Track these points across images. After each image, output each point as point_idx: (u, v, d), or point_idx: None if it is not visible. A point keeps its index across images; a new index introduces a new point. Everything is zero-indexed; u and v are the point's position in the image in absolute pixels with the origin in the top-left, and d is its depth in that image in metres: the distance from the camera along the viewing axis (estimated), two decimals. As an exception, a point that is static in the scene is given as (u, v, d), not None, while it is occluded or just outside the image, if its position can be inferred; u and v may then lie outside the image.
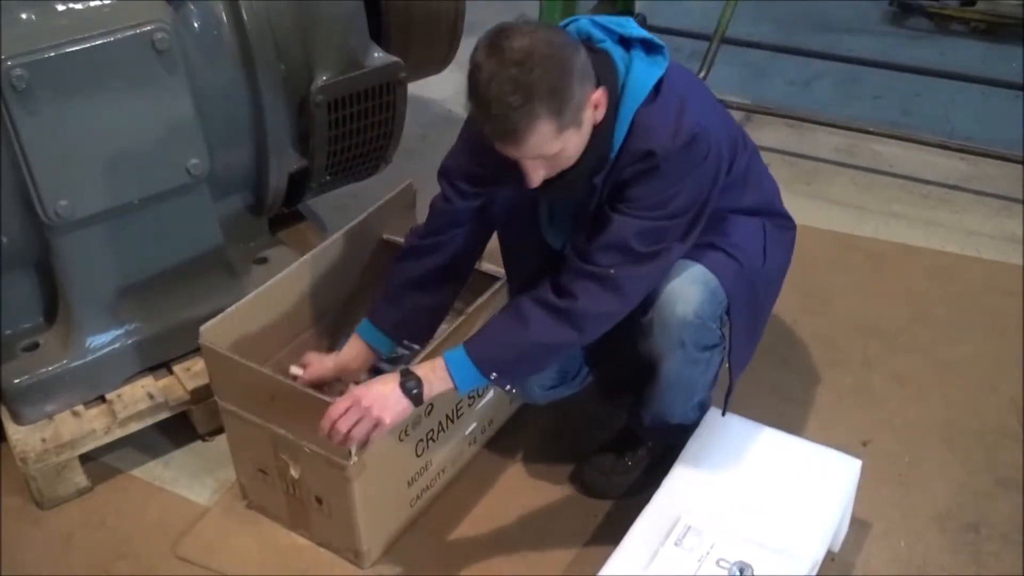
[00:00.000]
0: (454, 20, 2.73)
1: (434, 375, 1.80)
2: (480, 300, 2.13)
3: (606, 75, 1.70)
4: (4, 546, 2.17)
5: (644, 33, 1.77)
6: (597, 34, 1.75)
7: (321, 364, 2.06)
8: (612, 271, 1.75)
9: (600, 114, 1.70)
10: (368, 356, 2.08)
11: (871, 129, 3.34)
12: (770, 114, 3.52)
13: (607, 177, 1.78)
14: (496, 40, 1.59)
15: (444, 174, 2.00)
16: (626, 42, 1.75)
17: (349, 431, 1.76)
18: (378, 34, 2.54)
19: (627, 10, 3.80)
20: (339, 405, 1.78)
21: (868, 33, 4.23)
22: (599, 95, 1.67)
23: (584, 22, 1.77)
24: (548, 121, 1.59)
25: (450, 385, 1.80)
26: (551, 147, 1.64)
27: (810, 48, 3.84)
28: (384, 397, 1.77)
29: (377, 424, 1.77)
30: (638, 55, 1.74)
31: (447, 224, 2.03)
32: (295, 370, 2.06)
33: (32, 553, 2.15)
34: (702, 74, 3.31)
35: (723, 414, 2.05)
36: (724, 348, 1.96)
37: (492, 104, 1.58)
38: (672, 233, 1.77)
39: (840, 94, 3.78)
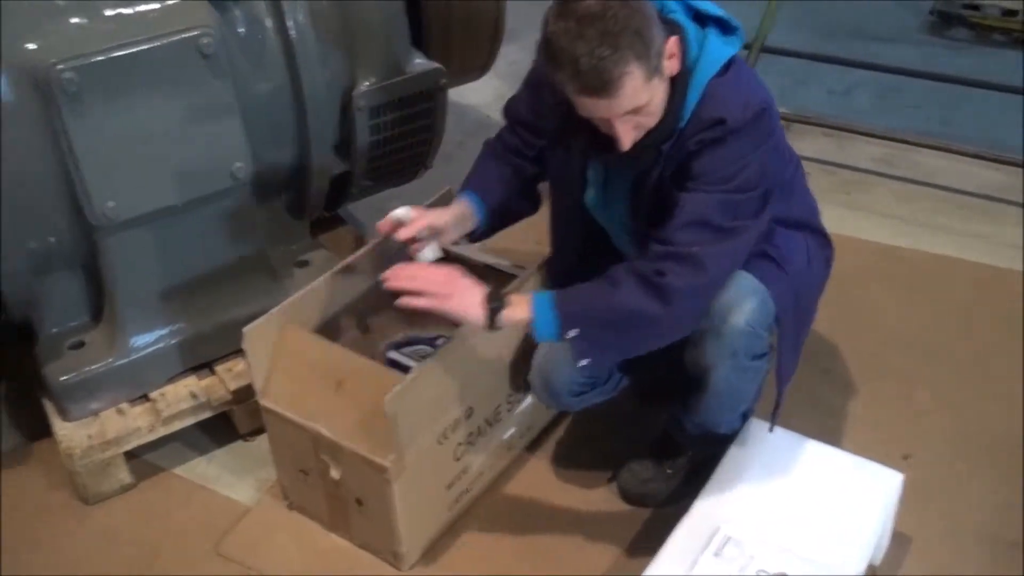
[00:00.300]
0: (494, 27, 2.74)
1: (518, 306, 1.78)
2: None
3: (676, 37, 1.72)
4: (49, 540, 2.20)
5: (721, 12, 1.79)
6: (670, 4, 1.77)
7: (434, 213, 2.03)
8: (695, 249, 1.73)
9: (675, 65, 1.71)
10: (469, 219, 2.07)
11: (911, 139, 3.32)
12: (809, 123, 3.50)
13: (674, 146, 1.78)
14: (569, 3, 1.61)
15: (507, 113, 2.10)
16: (701, 19, 1.78)
17: (424, 298, 1.79)
18: (419, 41, 2.56)
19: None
20: (437, 271, 1.82)
21: (908, 43, 4.21)
22: (673, 44, 1.69)
23: None
24: (638, 66, 1.60)
25: (528, 318, 1.78)
26: (642, 96, 1.65)
27: (849, 57, 3.82)
28: (468, 290, 1.79)
29: (440, 303, 1.79)
30: (713, 32, 1.76)
31: (510, 149, 2.10)
32: (403, 211, 1.99)
33: (76, 548, 2.18)
34: (741, 82, 3.30)
35: (771, 430, 2.04)
36: (771, 357, 1.96)
37: (581, 59, 1.58)
38: (745, 208, 1.76)
39: (880, 104, 3.76)
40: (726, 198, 1.73)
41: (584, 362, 1.79)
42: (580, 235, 2.09)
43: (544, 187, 2.15)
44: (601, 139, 1.79)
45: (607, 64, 1.58)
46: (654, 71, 1.65)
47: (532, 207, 2.18)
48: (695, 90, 1.74)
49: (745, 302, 1.83)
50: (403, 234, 1.96)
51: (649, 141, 1.77)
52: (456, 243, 2.17)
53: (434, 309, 1.79)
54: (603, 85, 1.61)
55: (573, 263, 2.12)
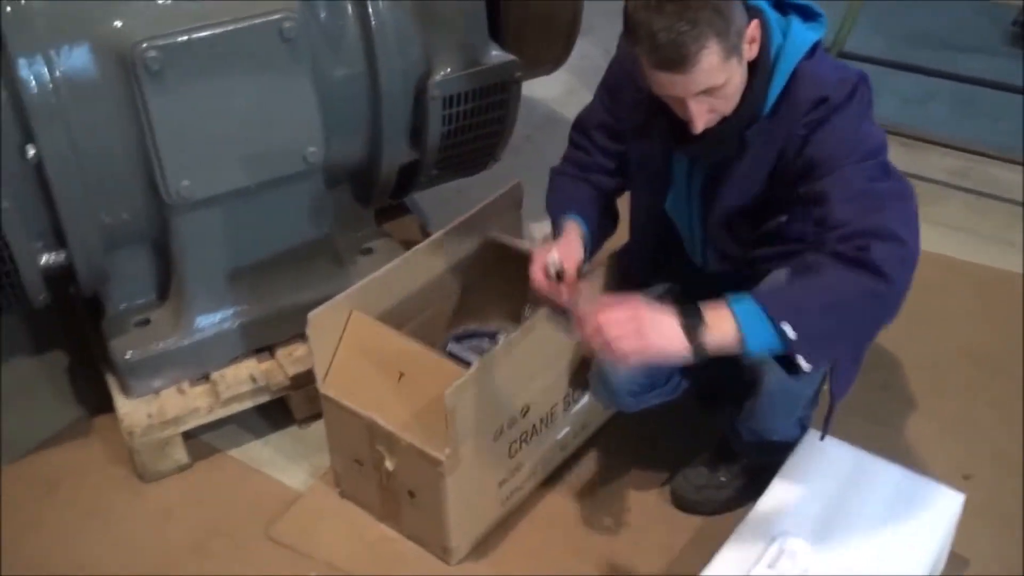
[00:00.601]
0: (571, 21, 2.72)
1: (720, 322, 1.59)
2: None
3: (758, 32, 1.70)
4: (106, 514, 2.24)
5: (804, 1, 1.76)
6: None
7: (573, 251, 1.94)
8: (872, 219, 1.61)
9: (755, 50, 1.68)
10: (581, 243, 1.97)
11: (988, 152, 3.25)
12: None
13: (765, 136, 1.75)
14: None
15: (579, 126, 2.05)
16: (782, 6, 1.76)
17: (619, 348, 1.60)
18: (495, 32, 2.55)
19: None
20: (616, 312, 1.60)
21: (988, 53, 4.11)
22: (754, 28, 1.66)
23: None
24: (716, 42, 1.57)
25: (736, 337, 1.59)
26: (718, 75, 1.61)
27: (927, 66, 3.74)
28: (660, 322, 1.59)
29: (640, 346, 1.58)
30: (796, 19, 1.74)
31: (585, 167, 2.05)
32: (554, 258, 1.88)
33: (132, 524, 2.22)
34: (816, 87, 3.25)
35: (822, 438, 2.01)
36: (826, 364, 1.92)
37: (659, 33, 1.55)
38: (883, 171, 1.69)
39: (956, 114, 3.68)
40: (863, 166, 1.67)
41: (808, 367, 1.64)
42: (656, 236, 2.07)
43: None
44: (683, 130, 1.76)
45: (685, 39, 1.55)
46: (732, 50, 1.61)
47: (614, 225, 2.13)
48: (781, 75, 1.72)
49: None
50: (565, 296, 1.86)
51: (728, 128, 1.74)
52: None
53: (636, 356, 1.59)
54: (680, 59, 1.57)
55: (646, 263, 2.11)
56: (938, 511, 1.91)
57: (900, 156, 3.36)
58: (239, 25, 2.03)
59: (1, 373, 2.59)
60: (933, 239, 2.97)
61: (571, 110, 2.77)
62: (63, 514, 2.24)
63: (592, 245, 2.01)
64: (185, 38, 1.98)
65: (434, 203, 3.03)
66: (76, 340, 2.60)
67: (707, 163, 1.87)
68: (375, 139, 2.39)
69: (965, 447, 2.33)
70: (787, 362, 1.71)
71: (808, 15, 1.76)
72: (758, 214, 1.86)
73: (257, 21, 2.04)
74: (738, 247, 1.93)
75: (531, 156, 3.31)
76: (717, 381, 2.19)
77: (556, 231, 2.00)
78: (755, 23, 1.67)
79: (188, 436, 2.33)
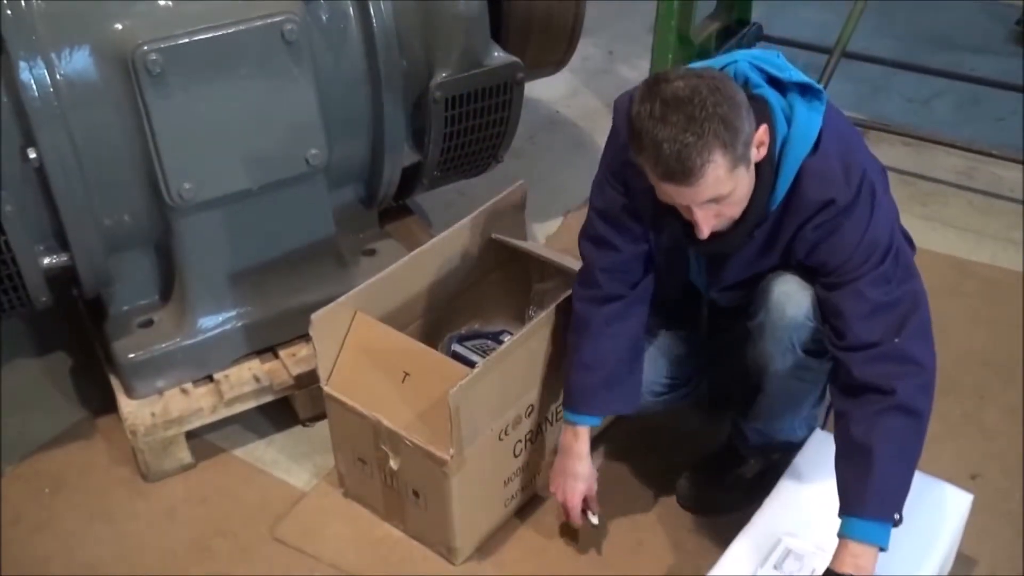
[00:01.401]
0: (574, 22, 2.71)
1: (857, 561, 1.67)
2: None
3: (765, 121, 1.65)
4: (109, 515, 2.24)
5: (803, 77, 1.71)
6: (755, 78, 1.69)
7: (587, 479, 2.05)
8: (891, 344, 1.69)
9: (763, 152, 1.65)
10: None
11: (993, 152, 3.23)
12: (888, 131, 3.43)
13: (775, 228, 1.75)
14: (656, 86, 1.56)
15: (593, 230, 1.93)
16: (780, 85, 1.70)
17: None
18: (498, 33, 2.55)
19: (743, 19, 3.74)
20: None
21: (992, 53, 4.10)
22: (762, 133, 1.62)
23: (743, 65, 1.71)
24: (722, 154, 1.54)
25: (876, 555, 1.68)
26: (725, 186, 1.59)
27: (931, 66, 3.74)
28: None
29: None
30: (798, 101, 1.68)
31: (622, 282, 1.94)
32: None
33: (136, 524, 2.22)
34: (819, 87, 3.25)
35: (822, 426, 2.01)
36: (831, 360, 1.91)
37: (664, 144, 1.53)
38: (895, 268, 1.71)
39: (961, 114, 3.67)
40: (876, 274, 1.69)
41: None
42: (680, 293, 2.05)
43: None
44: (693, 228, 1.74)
45: (690, 151, 1.52)
46: (739, 160, 1.57)
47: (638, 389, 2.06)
48: (788, 170, 1.68)
49: (804, 296, 1.79)
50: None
51: (739, 228, 1.73)
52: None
53: None
54: (685, 172, 1.55)
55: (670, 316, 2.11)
56: (946, 511, 1.91)
57: (905, 156, 3.37)
58: (240, 27, 2.03)
59: (4, 374, 2.59)
60: (938, 239, 2.98)
61: (574, 111, 2.76)
62: (67, 514, 2.24)
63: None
64: (186, 40, 1.98)
65: (437, 204, 3.03)
66: (79, 341, 2.60)
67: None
68: (377, 141, 2.39)
69: (972, 447, 2.32)
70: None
71: (807, 92, 1.70)
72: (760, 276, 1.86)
73: (258, 23, 2.04)
74: (742, 297, 1.92)
75: (534, 157, 3.31)
76: (725, 380, 2.19)
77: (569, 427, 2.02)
78: (763, 128, 1.62)
79: (192, 436, 2.33)
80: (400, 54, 2.29)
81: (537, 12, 2.62)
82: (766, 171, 1.67)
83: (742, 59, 1.71)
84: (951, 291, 2.79)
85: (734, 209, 1.68)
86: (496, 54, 2.44)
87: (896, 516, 1.68)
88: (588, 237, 1.96)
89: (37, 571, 2.12)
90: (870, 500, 1.67)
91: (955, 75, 3.69)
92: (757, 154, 1.63)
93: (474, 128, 2.48)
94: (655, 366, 2.00)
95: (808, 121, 1.67)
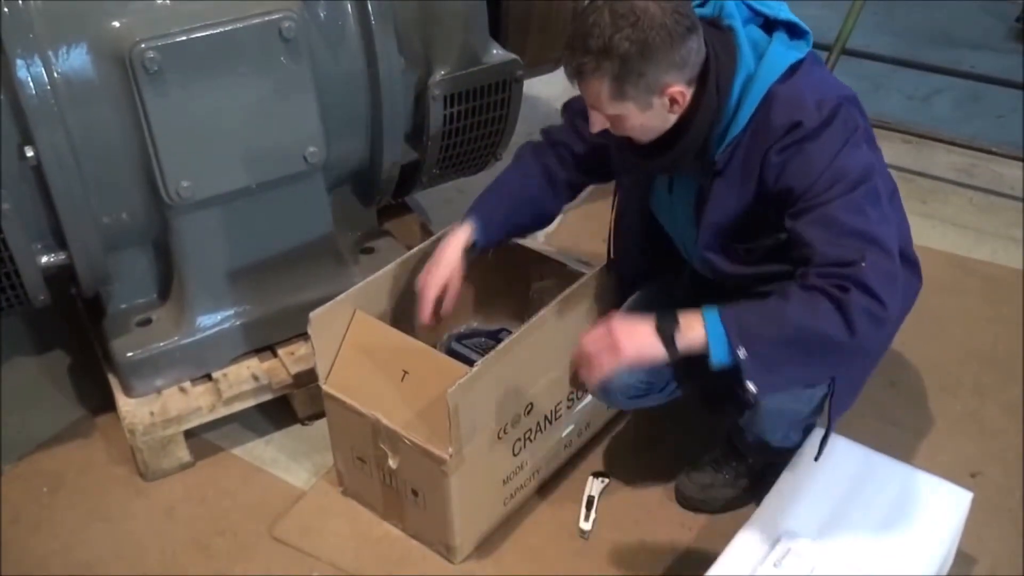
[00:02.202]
0: (572, 20, 2.71)
1: (692, 327, 1.65)
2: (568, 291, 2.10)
3: (722, 54, 1.68)
4: (108, 514, 2.23)
5: (792, 17, 1.75)
6: (729, 10, 1.73)
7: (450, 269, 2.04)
8: (853, 269, 1.59)
9: (677, 110, 1.69)
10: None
11: (993, 149, 3.23)
12: (887, 129, 3.42)
13: (741, 160, 1.73)
14: None
15: (567, 107, 2.08)
16: (770, 24, 1.74)
17: (598, 362, 1.70)
18: (496, 31, 2.54)
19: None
20: (592, 331, 1.73)
21: (992, 50, 4.10)
22: (678, 91, 1.66)
23: None
24: (607, 82, 1.63)
25: (704, 342, 1.64)
26: (605, 107, 1.67)
27: (931, 63, 3.73)
28: (633, 331, 1.68)
29: (615, 349, 1.67)
30: (779, 37, 1.72)
31: (554, 142, 2.09)
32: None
33: (134, 523, 2.21)
34: (819, 85, 3.24)
35: (816, 459, 1.95)
36: (828, 384, 1.89)
37: (576, 35, 1.64)
38: (868, 202, 1.66)
39: (961, 111, 3.67)
40: (846, 200, 1.64)
41: (752, 388, 1.64)
42: (644, 236, 2.06)
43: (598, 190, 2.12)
44: (647, 147, 1.78)
45: (583, 59, 1.63)
46: (627, 97, 1.64)
47: (543, 220, 2.18)
48: (752, 98, 1.69)
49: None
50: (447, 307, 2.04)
51: (680, 154, 1.74)
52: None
53: (615, 366, 1.69)
54: (571, 71, 1.67)
55: (637, 264, 2.10)
56: (946, 509, 1.90)
57: (904, 153, 3.37)
58: (238, 25, 2.02)
59: (3, 373, 2.59)
60: (938, 237, 2.98)
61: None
62: (65, 513, 2.23)
63: (494, 240, 2.10)
64: (184, 38, 1.97)
65: (436, 202, 3.03)
66: (77, 340, 2.60)
67: (692, 183, 1.86)
68: (376, 139, 2.38)
69: (972, 445, 2.31)
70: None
71: (794, 32, 1.73)
72: (747, 233, 1.82)
73: (256, 21, 2.04)
74: (729, 265, 1.88)
75: (534, 155, 3.30)
76: (717, 385, 2.18)
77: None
78: (681, 90, 1.65)
79: (190, 435, 2.32)
80: (399, 51, 2.29)
81: (536, 9, 2.61)
82: (718, 99, 1.69)
83: None
84: (951, 289, 2.78)
85: (631, 132, 1.74)
86: (495, 51, 2.44)
87: (741, 355, 1.61)
88: (571, 106, 2.09)
89: (36, 570, 2.11)
90: (739, 313, 1.64)
91: (955, 72, 3.68)
92: (669, 108, 1.68)
93: (473, 126, 2.48)
94: (629, 369, 1.89)
95: (781, 56, 1.70)
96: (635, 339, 1.68)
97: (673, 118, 1.71)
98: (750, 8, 1.74)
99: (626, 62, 1.59)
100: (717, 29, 1.71)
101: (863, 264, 1.59)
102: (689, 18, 1.64)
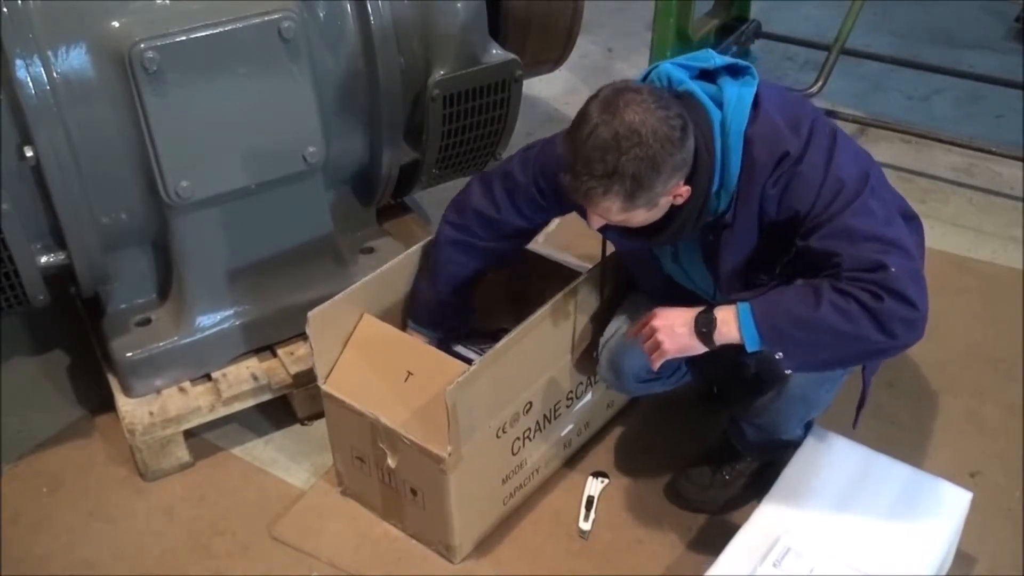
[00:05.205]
0: (572, 20, 2.71)
1: (728, 324, 1.72)
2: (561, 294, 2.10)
3: (696, 116, 1.69)
4: (108, 514, 2.23)
5: (726, 60, 1.77)
6: (677, 75, 1.75)
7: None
8: (884, 271, 1.62)
9: (679, 201, 1.72)
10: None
11: (992, 149, 3.23)
12: (887, 128, 3.43)
13: (743, 207, 1.75)
14: (615, 98, 1.62)
15: (510, 188, 2.03)
16: (710, 74, 1.76)
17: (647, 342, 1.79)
18: (496, 30, 2.54)
19: (742, 16, 3.74)
20: (637, 325, 1.82)
21: (992, 50, 4.10)
22: (684, 190, 1.69)
23: (665, 66, 1.77)
24: (619, 200, 1.64)
25: (738, 337, 1.71)
26: (614, 217, 1.70)
27: (931, 63, 3.73)
28: (672, 326, 1.76)
29: (657, 348, 1.77)
30: (727, 82, 1.74)
31: (497, 233, 2.09)
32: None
33: (134, 523, 2.21)
34: (818, 84, 3.24)
35: (854, 426, 2.02)
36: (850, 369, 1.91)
37: (579, 161, 1.63)
38: (875, 201, 1.69)
39: (960, 111, 3.67)
40: (855, 208, 1.67)
41: (788, 371, 1.75)
42: (664, 285, 2.08)
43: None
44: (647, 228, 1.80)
45: (591, 183, 1.63)
46: (638, 207, 1.67)
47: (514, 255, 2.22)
48: (735, 147, 1.71)
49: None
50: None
51: (681, 225, 1.77)
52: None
53: (658, 362, 1.79)
54: (579, 192, 1.66)
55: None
56: (945, 509, 1.90)
57: (904, 153, 3.37)
58: (238, 25, 2.02)
59: (3, 373, 2.59)
60: (937, 236, 2.97)
61: (572, 109, 2.71)
62: (65, 513, 2.23)
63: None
64: (183, 38, 1.98)
65: (435, 202, 3.02)
66: (77, 340, 2.60)
67: (695, 243, 1.88)
68: (375, 139, 2.39)
69: (972, 445, 2.31)
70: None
71: (736, 72, 1.76)
72: (766, 263, 1.83)
73: (256, 21, 2.04)
74: (756, 290, 1.87)
75: (533, 155, 3.30)
76: (722, 377, 2.19)
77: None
78: (685, 189, 1.69)
79: (190, 435, 2.32)
80: (398, 51, 2.29)
81: (536, 9, 2.61)
82: (703, 174, 1.71)
83: (665, 63, 1.78)
84: (951, 289, 2.78)
85: (639, 223, 1.75)
86: (494, 51, 2.44)
87: (774, 345, 1.69)
88: (483, 182, 2.08)
89: (36, 570, 2.11)
90: (771, 312, 1.69)
91: (954, 72, 3.68)
92: (673, 201, 1.72)
93: (472, 126, 2.48)
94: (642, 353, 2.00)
95: (739, 95, 1.72)
96: (676, 341, 1.76)
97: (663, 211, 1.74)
98: (686, 67, 1.77)
99: (637, 180, 1.61)
100: (676, 95, 1.72)
101: (892, 270, 1.62)
102: (681, 117, 1.65)
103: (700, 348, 1.75)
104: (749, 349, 1.71)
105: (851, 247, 1.66)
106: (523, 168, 2.01)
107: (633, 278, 2.16)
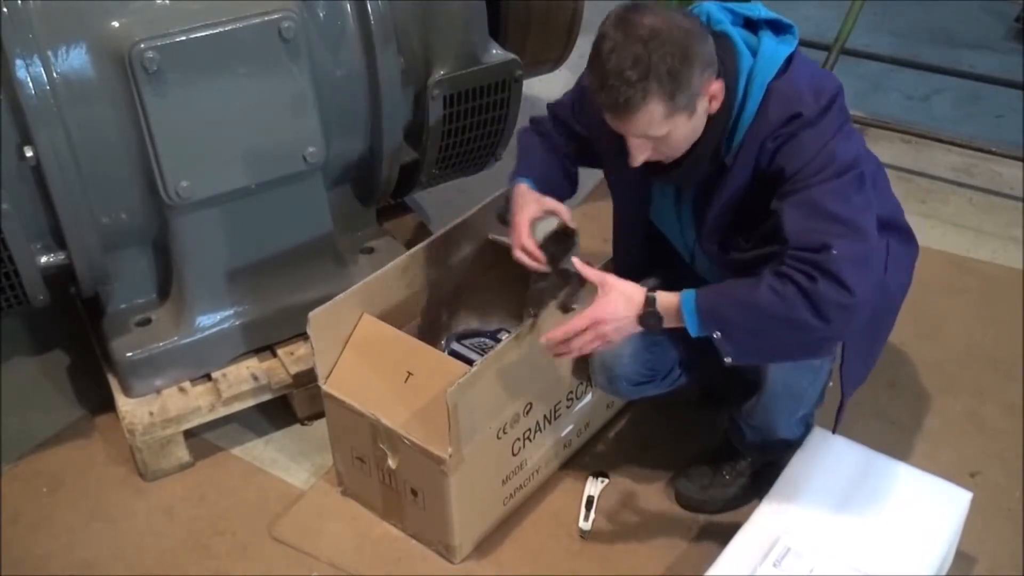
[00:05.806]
0: (571, 20, 2.72)
1: (671, 318, 1.73)
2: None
3: (725, 57, 1.70)
4: (108, 514, 2.23)
5: (772, 14, 1.77)
6: (717, 16, 1.75)
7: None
8: (828, 254, 1.62)
9: (715, 106, 1.71)
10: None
11: (992, 149, 3.23)
12: (887, 128, 3.43)
13: (743, 155, 1.75)
14: (626, 14, 1.61)
15: (551, 111, 2.10)
16: (753, 24, 1.76)
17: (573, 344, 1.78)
18: (496, 30, 2.54)
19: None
20: (576, 324, 1.77)
21: (992, 50, 4.10)
22: (717, 87, 1.69)
23: (708, 4, 1.77)
24: (660, 102, 1.61)
25: (679, 317, 1.72)
26: (658, 129, 1.66)
27: (931, 63, 3.73)
28: (620, 327, 1.76)
29: (600, 345, 1.79)
30: (766, 35, 1.74)
31: (547, 147, 2.09)
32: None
33: (134, 523, 2.21)
34: (818, 84, 3.24)
35: (833, 431, 2.00)
36: (833, 359, 1.91)
37: (610, 75, 1.60)
38: (853, 189, 1.69)
39: (960, 111, 3.67)
40: (833, 185, 1.67)
41: (728, 360, 1.72)
42: (643, 242, 2.08)
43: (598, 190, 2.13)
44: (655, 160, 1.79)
45: (629, 91, 1.60)
46: (680, 109, 1.64)
47: (572, 189, 2.15)
48: (754, 96, 1.72)
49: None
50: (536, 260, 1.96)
51: (694, 161, 1.77)
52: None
53: (603, 349, 1.82)
54: (619, 107, 1.63)
55: (637, 266, 2.10)
56: (945, 509, 1.90)
57: (904, 153, 3.37)
58: (238, 25, 2.02)
59: (3, 373, 2.59)
60: (937, 237, 2.97)
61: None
62: (65, 513, 2.23)
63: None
64: (183, 38, 1.98)
65: (435, 202, 3.03)
66: (77, 340, 2.60)
67: (693, 185, 1.87)
68: (375, 139, 2.38)
69: (972, 445, 2.31)
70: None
71: (779, 28, 1.76)
72: (746, 223, 1.83)
73: (256, 21, 2.04)
74: (729, 254, 1.89)
75: (533, 155, 3.30)
76: (717, 378, 2.18)
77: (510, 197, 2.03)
78: (719, 85, 1.68)
79: (190, 435, 2.32)
80: (398, 51, 2.29)
81: (535, 9, 2.62)
82: (725, 104, 1.71)
83: (710, 3, 1.78)
84: (951, 289, 2.78)
85: (672, 151, 1.74)
86: (494, 51, 2.44)
87: (715, 332, 1.69)
88: (562, 102, 2.10)
89: (36, 570, 2.11)
90: (713, 297, 1.71)
91: (954, 72, 3.68)
92: (710, 107, 1.70)
93: (472, 126, 2.48)
94: (634, 356, 2.00)
95: (774, 51, 1.72)
96: (621, 326, 1.76)
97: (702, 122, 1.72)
98: (731, 11, 1.77)
99: (673, 76, 1.59)
100: (713, 36, 1.71)
101: (833, 251, 1.62)
102: (697, 18, 1.67)
103: (646, 333, 1.78)
104: (692, 332, 1.71)
105: (806, 220, 1.66)
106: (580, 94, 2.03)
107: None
